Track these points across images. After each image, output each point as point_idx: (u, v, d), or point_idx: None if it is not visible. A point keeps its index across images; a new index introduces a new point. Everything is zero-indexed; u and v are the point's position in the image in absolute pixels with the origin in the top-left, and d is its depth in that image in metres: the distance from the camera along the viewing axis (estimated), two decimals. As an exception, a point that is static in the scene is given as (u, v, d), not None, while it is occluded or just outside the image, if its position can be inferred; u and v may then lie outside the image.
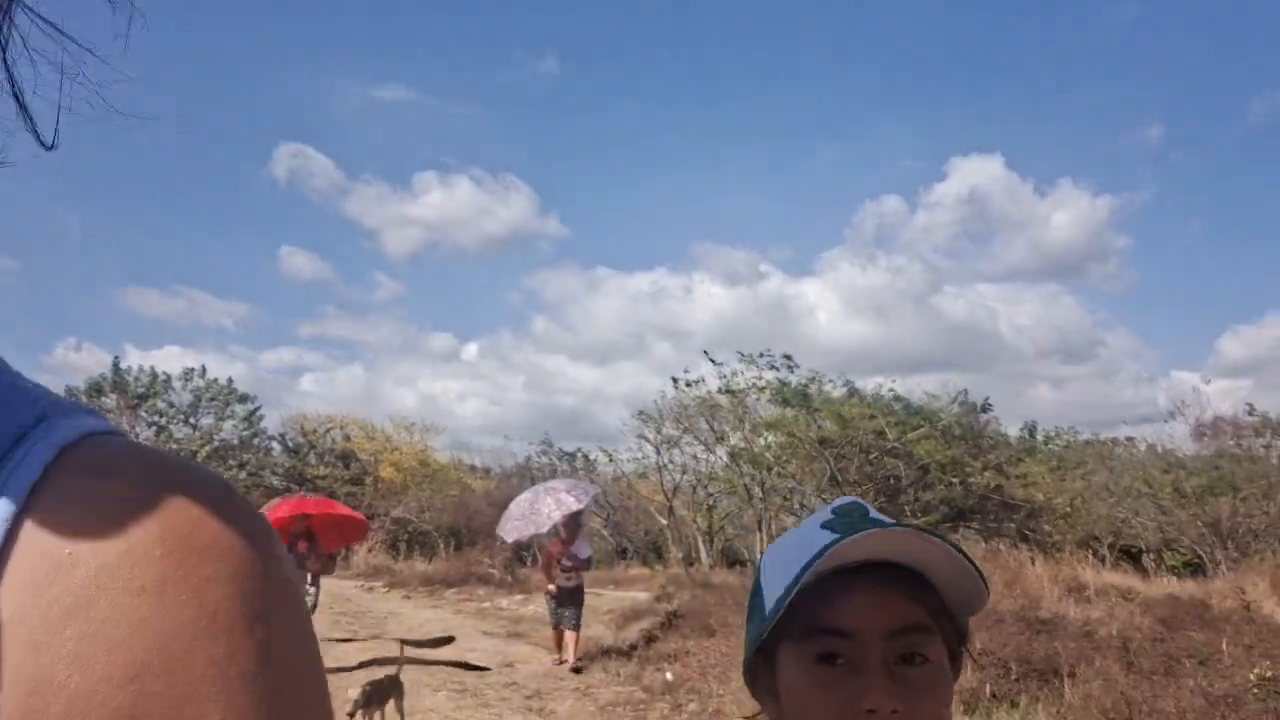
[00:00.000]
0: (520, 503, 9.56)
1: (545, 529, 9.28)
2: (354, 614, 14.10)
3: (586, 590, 9.68)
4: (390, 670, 6.11)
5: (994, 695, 5.16)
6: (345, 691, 6.77)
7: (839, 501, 0.89)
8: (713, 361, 20.28)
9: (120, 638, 0.33)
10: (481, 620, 13.72)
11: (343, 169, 71.15)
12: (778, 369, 19.44)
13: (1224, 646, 5.47)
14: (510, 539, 9.68)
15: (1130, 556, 20.56)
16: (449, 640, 10.12)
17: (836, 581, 0.80)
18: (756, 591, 0.88)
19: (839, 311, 59.33)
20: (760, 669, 0.87)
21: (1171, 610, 8.37)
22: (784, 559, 0.84)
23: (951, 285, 57.60)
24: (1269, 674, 4.29)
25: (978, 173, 66.72)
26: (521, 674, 8.89)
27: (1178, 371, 71.42)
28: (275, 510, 9.45)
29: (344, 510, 10.73)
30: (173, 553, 0.36)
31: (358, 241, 67.87)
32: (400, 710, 6.04)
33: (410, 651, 9.47)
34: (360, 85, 71.59)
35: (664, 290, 60.32)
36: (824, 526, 0.85)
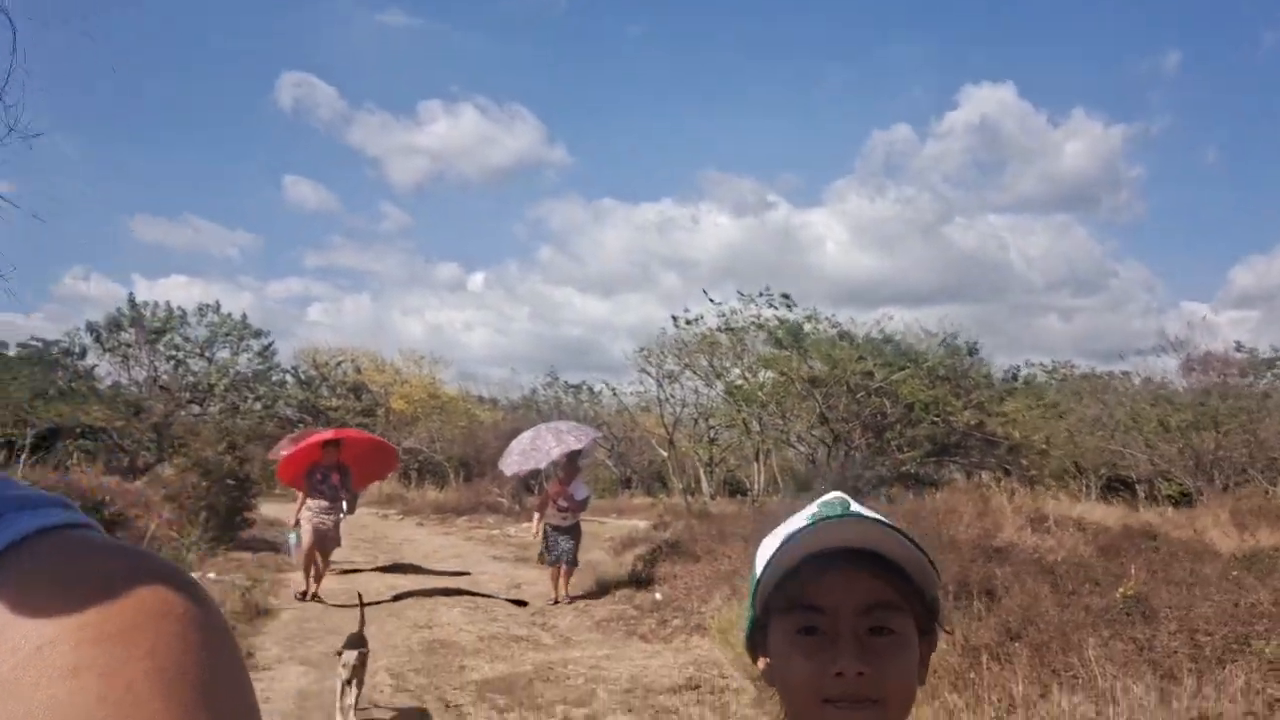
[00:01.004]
0: (522, 439, 10.07)
1: (544, 465, 9.92)
2: (371, 540, 15.11)
3: (591, 519, 10.42)
4: (353, 629, 5.50)
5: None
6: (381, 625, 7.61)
7: (826, 496, 1.01)
8: (711, 300, 20.97)
9: None
10: (491, 546, 14.71)
11: (346, 97, 70.36)
12: (775, 307, 20.08)
13: (1132, 570, 6.32)
14: (509, 473, 10.35)
15: (1128, 487, 21.33)
16: (465, 574, 11.11)
17: (816, 564, 0.91)
18: (752, 576, 1.00)
19: (847, 242, 58.85)
20: (757, 637, 0.99)
21: (1114, 539, 9.25)
22: (769, 547, 0.97)
23: (961, 216, 57.08)
24: (1130, 591, 5.20)
25: (989, 101, 65.47)
26: (528, 594, 9.83)
27: (1188, 303, 70.50)
28: (309, 438, 10.04)
29: (376, 438, 11.58)
30: (86, 641, 0.38)
31: (362, 170, 67.75)
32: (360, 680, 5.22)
33: (434, 581, 10.41)
34: (363, 10, 70.34)
35: (671, 220, 60.01)
36: (807, 518, 0.97)
